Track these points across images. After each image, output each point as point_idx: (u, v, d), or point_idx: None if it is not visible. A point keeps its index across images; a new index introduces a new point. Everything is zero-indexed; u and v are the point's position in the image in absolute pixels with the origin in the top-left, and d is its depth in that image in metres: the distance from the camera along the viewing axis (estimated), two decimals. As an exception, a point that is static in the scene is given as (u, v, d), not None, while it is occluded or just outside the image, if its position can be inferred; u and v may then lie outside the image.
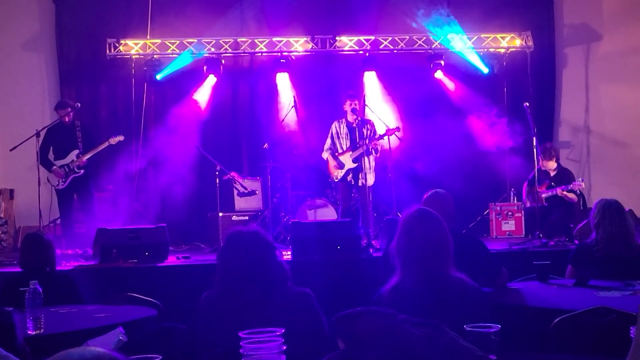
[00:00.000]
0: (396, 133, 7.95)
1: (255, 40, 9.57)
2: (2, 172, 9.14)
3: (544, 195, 8.13)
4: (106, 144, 8.03)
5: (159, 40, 9.38)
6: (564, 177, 8.18)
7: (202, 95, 9.48)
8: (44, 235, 4.65)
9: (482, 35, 9.62)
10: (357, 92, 8.76)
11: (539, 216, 7.83)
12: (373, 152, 7.82)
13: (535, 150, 7.84)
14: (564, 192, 7.96)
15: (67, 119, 7.91)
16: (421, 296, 2.78)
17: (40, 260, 4.36)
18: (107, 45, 9.26)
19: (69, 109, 7.92)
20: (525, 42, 9.65)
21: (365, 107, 8.43)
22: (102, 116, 9.61)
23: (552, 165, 8.21)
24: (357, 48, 9.66)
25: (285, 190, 8.77)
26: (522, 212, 8.79)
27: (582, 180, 8.02)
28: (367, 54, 9.55)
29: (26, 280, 3.36)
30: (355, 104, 7.94)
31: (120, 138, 8.11)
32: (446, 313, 2.56)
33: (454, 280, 2.87)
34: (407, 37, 9.59)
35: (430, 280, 2.85)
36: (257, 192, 8.84)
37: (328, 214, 8.49)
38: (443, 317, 2.18)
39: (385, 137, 7.90)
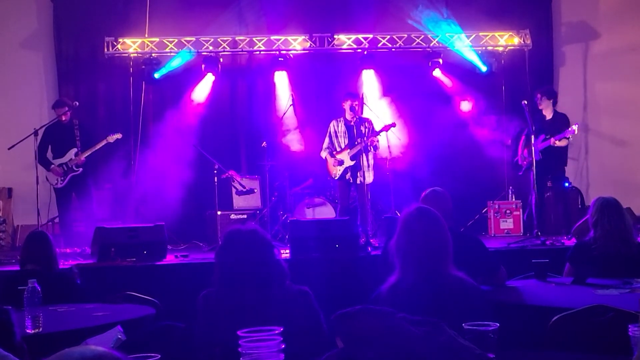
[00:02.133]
0: (392, 129, 7.95)
1: (254, 39, 9.58)
2: (0, 171, 9.13)
3: (539, 149, 7.97)
4: (104, 142, 8.04)
5: (157, 39, 9.38)
6: (559, 121, 8.08)
7: (200, 93, 9.47)
8: (48, 234, 4.66)
9: (480, 34, 9.62)
10: (356, 91, 8.76)
11: (536, 214, 7.80)
12: (371, 149, 7.82)
13: (533, 148, 7.84)
14: (556, 142, 7.87)
15: (64, 118, 7.91)
16: (420, 294, 2.77)
17: (42, 259, 4.35)
18: (105, 44, 9.26)
19: (67, 108, 7.93)
20: (524, 41, 9.66)
21: (364, 105, 8.44)
22: (100, 115, 9.60)
23: (548, 106, 8.14)
24: (355, 46, 9.66)
25: (283, 189, 8.78)
26: (521, 210, 8.79)
27: (577, 125, 7.90)
28: (365, 52, 9.54)
29: (25, 279, 3.35)
30: (354, 103, 7.94)
31: (118, 136, 8.12)
32: (445, 311, 2.55)
33: (453, 279, 2.87)
34: (405, 35, 9.59)
35: (430, 278, 2.84)
36: (256, 190, 8.84)
37: (326, 212, 8.49)
38: (442, 315, 2.18)
39: (384, 135, 7.90)
